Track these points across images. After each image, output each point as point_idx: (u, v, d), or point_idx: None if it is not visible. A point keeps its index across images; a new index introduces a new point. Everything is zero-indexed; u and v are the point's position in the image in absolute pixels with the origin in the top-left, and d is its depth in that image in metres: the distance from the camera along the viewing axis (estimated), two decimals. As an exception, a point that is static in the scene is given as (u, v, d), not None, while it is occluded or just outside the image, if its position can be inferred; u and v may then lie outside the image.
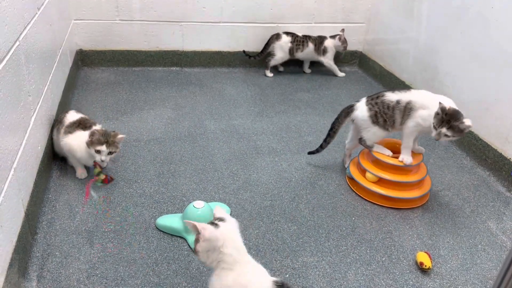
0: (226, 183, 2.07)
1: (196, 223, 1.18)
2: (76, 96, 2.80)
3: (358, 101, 2.07)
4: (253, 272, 1.20)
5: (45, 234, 1.69)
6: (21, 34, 1.71)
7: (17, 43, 1.65)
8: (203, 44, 3.33)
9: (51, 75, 2.24)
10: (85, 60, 3.22)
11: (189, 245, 1.69)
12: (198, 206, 1.72)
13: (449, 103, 1.82)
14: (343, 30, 3.31)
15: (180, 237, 1.73)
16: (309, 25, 3.41)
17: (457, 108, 1.80)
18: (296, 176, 2.16)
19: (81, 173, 2.04)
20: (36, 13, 1.99)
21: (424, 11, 2.80)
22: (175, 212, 1.85)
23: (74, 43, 3.12)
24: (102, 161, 1.91)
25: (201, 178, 2.09)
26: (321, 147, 2.20)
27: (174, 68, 3.35)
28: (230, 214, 1.86)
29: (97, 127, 2.00)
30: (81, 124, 2.01)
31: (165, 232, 1.75)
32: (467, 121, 1.76)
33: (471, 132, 2.41)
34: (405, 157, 1.94)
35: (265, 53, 3.32)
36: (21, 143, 1.63)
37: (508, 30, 2.14)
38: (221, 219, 1.24)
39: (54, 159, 2.14)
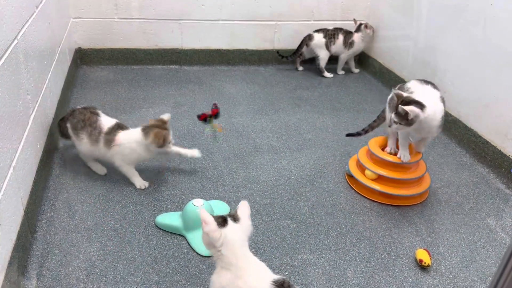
0: (226, 181, 2.07)
1: (205, 215, 1.16)
2: (75, 95, 2.79)
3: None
4: (250, 274, 1.17)
5: (44, 233, 1.69)
6: (19, 32, 1.71)
7: (16, 41, 1.64)
8: (202, 42, 3.32)
9: (50, 73, 2.24)
10: (84, 58, 3.22)
11: (188, 243, 1.69)
12: (197, 204, 1.71)
13: (430, 104, 1.78)
14: (354, 20, 3.32)
15: (179, 235, 1.73)
16: (308, 22, 3.40)
17: (418, 100, 1.76)
18: (296, 174, 2.16)
19: (141, 183, 1.99)
20: (35, 11, 1.99)
21: (424, 9, 2.80)
22: (175, 210, 1.85)
23: (73, 41, 3.11)
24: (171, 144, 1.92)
25: (200, 176, 2.09)
26: (364, 130, 2.19)
27: (173, 66, 3.35)
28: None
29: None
30: (119, 127, 1.95)
31: (165, 230, 1.75)
32: (407, 107, 1.72)
33: (470, 129, 2.41)
34: (403, 154, 1.94)
35: (298, 53, 3.33)
36: (20, 141, 1.63)
37: (508, 28, 2.13)
38: (235, 218, 1.21)
39: (54, 157, 2.14)
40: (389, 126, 1.84)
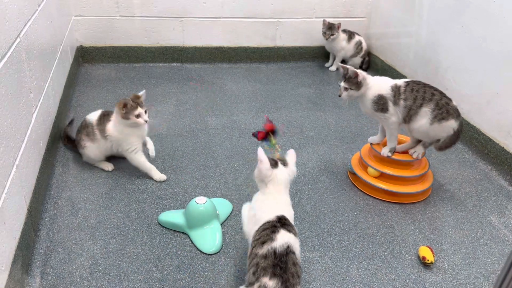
0: (228, 179, 2.07)
1: (261, 154, 1.37)
2: (77, 93, 2.79)
3: None
4: (272, 204, 1.37)
5: (48, 231, 1.70)
6: (21, 30, 1.71)
7: (18, 39, 1.64)
8: (203, 39, 3.32)
9: (52, 71, 2.24)
10: (85, 56, 3.21)
11: (191, 241, 1.69)
12: (200, 202, 1.72)
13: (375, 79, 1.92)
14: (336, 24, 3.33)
15: (182, 232, 1.73)
16: (310, 19, 3.39)
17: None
18: (298, 172, 2.15)
19: (160, 176, 2.03)
20: (37, 10, 1.99)
21: (425, 5, 2.79)
22: (177, 208, 1.85)
23: (75, 39, 3.11)
24: (146, 121, 1.93)
25: (203, 174, 2.09)
26: None
27: (175, 64, 3.34)
28: (232, 210, 1.86)
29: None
30: (105, 116, 2.01)
31: (168, 228, 1.75)
32: (357, 70, 1.87)
33: (473, 126, 2.40)
34: (388, 149, 2.00)
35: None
36: (23, 140, 1.63)
37: (509, 24, 2.13)
38: (284, 163, 1.43)
39: (57, 155, 2.14)
40: (339, 96, 1.93)
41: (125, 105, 1.88)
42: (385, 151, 1.97)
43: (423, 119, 1.86)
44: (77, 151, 2.11)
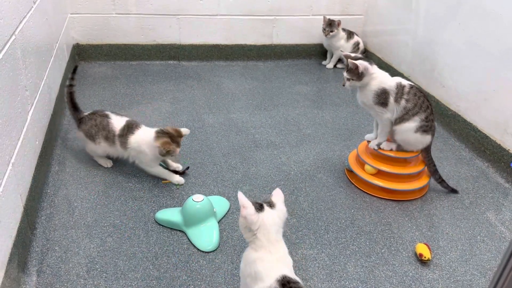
0: (225, 177, 2.06)
1: (243, 199, 1.19)
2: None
3: None
4: (269, 261, 1.19)
5: (44, 229, 1.69)
6: (17, 28, 1.70)
7: (13, 37, 1.63)
8: (200, 37, 3.31)
9: (48, 69, 2.23)
10: (82, 54, 3.20)
11: (188, 239, 1.69)
12: (197, 199, 1.71)
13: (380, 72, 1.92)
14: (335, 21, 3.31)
15: (179, 230, 1.73)
16: (307, 17, 3.39)
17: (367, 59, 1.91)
18: (295, 169, 2.16)
19: (179, 179, 2.01)
20: (32, 7, 1.98)
21: (422, 2, 2.79)
22: (174, 206, 1.84)
23: (71, 37, 3.10)
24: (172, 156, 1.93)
25: (200, 171, 2.09)
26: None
27: (171, 62, 3.33)
28: (230, 208, 1.86)
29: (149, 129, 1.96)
30: (130, 127, 1.96)
31: (165, 226, 1.75)
32: (357, 61, 1.85)
33: (469, 124, 2.41)
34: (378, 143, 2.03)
35: None
36: (18, 137, 1.62)
37: (506, 21, 2.13)
38: (271, 204, 1.24)
39: (53, 153, 2.13)
40: (343, 85, 1.93)
41: (168, 152, 1.87)
42: (372, 144, 2.01)
43: (412, 124, 1.89)
44: (75, 125, 2.07)
